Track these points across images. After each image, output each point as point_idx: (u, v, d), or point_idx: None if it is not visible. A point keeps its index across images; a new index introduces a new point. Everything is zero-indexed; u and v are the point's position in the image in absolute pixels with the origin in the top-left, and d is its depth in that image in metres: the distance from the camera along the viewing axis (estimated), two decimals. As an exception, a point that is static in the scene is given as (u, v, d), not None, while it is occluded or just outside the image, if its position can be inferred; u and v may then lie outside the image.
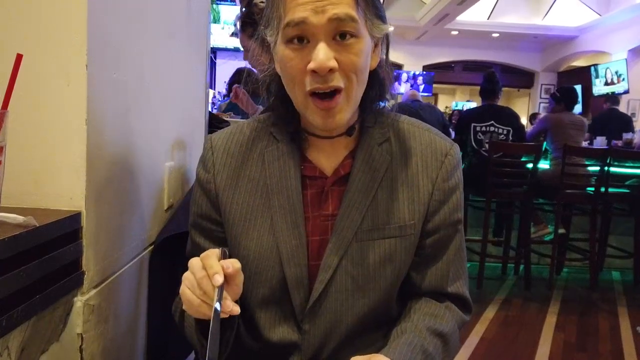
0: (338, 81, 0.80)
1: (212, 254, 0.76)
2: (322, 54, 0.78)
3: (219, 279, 0.72)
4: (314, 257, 0.90)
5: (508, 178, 3.70)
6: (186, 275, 0.78)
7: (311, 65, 0.79)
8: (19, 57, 0.71)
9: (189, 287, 0.76)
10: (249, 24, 1.96)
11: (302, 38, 0.80)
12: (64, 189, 0.91)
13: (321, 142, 0.92)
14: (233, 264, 0.76)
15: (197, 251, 0.99)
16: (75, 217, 0.90)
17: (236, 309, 0.74)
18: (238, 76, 3.66)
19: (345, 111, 0.84)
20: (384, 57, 0.91)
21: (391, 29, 0.88)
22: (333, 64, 0.79)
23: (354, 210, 0.89)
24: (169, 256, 1.32)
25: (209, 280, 0.73)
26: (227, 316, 0.74)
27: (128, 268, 1.14)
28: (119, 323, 1.10)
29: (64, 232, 0.86)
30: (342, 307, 0.90)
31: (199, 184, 0.97)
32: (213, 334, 0.69)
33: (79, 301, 0.93)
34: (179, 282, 1.10)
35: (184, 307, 0.77)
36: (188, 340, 0.91)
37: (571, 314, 3.43)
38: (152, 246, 1.30)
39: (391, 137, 0.93)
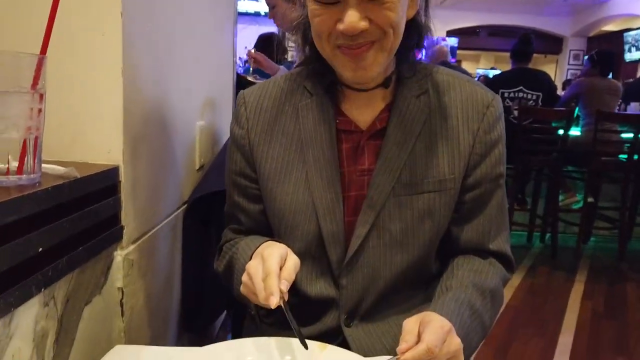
0: (370, 37, 0.77)
1: (274, 274, 0.74)
2: (353, 16, 0.74)
3: (274, 301, 0.71)
4: (350, 213, 0.88)
5: (537, 145, 3.61)
6: (245, 282, 0.78)
7: (340, 27, 0.75)
8: (56, 1, 0.68)
9: (247, 293, 0.79)
10: None
11: None
12: (101, 142, 0.89)
13: (357, 95, 0.88)
14: (289, 279, 0.76)
15: (236, 209, 0.98)
16: (114, 170, 0.89)
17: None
18: (263, 43, 3.64)
19: (379, 63, 0.80)
20: (423, 3, 0.86)
21: None
22: (364, 25, 0.75)
23: (390, 165, 0.86)
24: (201, 215, 1.32)
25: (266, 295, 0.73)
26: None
27: (164, 225, 1.14)
28: (156, 279, 1.11)
29: (103, 186, 0.85)
30: (380, 263, 0.88)
31: (233, 141, 0.95)
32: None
33: (119, 255, 0.92)
34: (211, 241, 1.10)
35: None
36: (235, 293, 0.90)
37: (599, 283, 3.38)
38: (185, 205, 1.30)
39: (429, 88, 0.89)
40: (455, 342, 0.71)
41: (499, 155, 0.90)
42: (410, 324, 0.72)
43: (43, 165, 0.74)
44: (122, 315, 0.95)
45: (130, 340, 0.98)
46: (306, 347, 0.71)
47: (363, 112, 0.89)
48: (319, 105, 0.89)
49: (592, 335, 2.65)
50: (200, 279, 1.31)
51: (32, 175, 0.70)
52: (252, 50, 3.15)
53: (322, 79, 0.89)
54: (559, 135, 3.64)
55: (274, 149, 0.91)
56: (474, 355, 1.60)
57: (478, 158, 0.88)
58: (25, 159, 0.69)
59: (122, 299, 0.94)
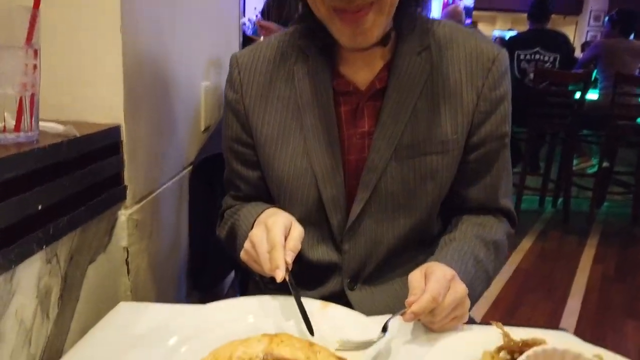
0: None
1: (280, 245, 0.73)
2: None
3: (280, 275, 0.70)
4: (350, 177, 0.86)
5: (553, 108, 3.53)
6: (247, 249, 0.78)
7: None
8: (47, -49, 0.66)
9: (247, 260, 0.79)
10: None
11: None
12: (102, 101, 0.88)
13: (354, 54, 0.84)
14: (295, 250, 0.74)
15: (234, 176, 0.97)
16: (115, 130, 0.88)
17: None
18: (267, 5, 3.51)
19: (378, 26, 0.76)
20: None
21: None
22: None
23: (391, 127, 0.83)
24: (207, 176, 1.32)
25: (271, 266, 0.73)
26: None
27: (169, 186, 1.14)
28: (162, 239, 1.11)
29: (104, 145, 0.85)
30: (382, 227, 0.87)
31: (228, 106, 0.92)
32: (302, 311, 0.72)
33: (123, 215, 0.93)
34: (217, 202, 1.10)
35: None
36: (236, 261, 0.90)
37: (611, 247, 3.36)
38: (191, 166, 1.30)
39: (431, 44, 0.85)
40: (460, 289, 0.71)
41: (505, 113, 0.87)
42: (416, 278, 0.72)
43: (41, 123, 0.73)
44: (128, 274, 0.96)
45: (137, 299, 0.99)
46: (312, 333, 0.70)
47: (361, 72, 0.85)
48: (315, 67, 0.86)
49: (602, 299, 2.65)
50: (207, 239, 1.32)
51: (29, 133, 0.69)
52: (260, 20, 3.02)
53: (317, 39, 0.85)
54: (576, 99, 3.55)
55: (269, 114, 0.88)
56: (480, 317, 1.61)
57: (482, 116, 0.85)
58: (23, 116, 0.68)
59: (127, 258, 0.95)
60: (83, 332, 0.76)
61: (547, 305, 2.58)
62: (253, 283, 1.06)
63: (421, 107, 0.84)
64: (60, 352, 0.76)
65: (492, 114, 0.85)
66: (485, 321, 0.83)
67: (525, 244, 3.33)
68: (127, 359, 0.63)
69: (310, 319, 0.70)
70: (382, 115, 0.84)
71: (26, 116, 0.69)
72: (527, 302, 2.59)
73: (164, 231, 1.13)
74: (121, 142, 0.89)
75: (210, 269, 1.36)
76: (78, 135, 0.75)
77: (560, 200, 4.00)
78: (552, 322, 2.39)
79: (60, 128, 0.75)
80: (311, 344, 0.65)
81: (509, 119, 0.88)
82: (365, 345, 0.65)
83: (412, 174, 0.85)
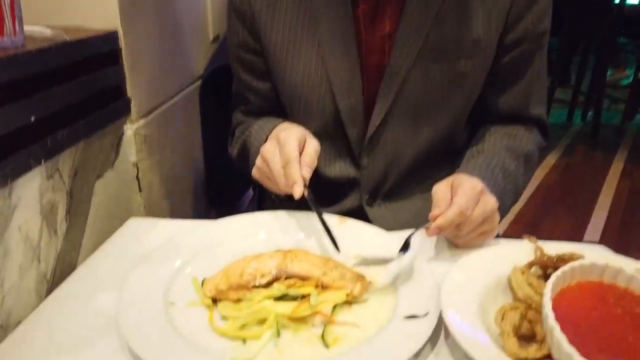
0: None
1: (294, 160, 0.68)
2: None
3: (298, 191, 0.66)
4: (370, 85, 0.79)
5: (590, 12, 3.26)
6: (259, 166, 0.73)
7: None
8: None
9: (260, 178, 0.74)
10: None
11: None
12: (93, 3, 0.80)
13: None
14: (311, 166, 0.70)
15: (243, 88, 0.90)
16: (112, 36, 0.80)
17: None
18: None
19: None
20: None
21: None
22: None
23: (416, 26, 0.75)
24: (218, 89, 1.25)
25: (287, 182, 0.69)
26: None
27: (177, 100, 1.08)
28: (174, 155, 1.07)
29: (100, 52, 0.78)
30: (404, 139, 0.81)
31: (233, 8, 0.83)
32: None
33: (129, 129, 0.88)
34: (230, 117, 1.04)
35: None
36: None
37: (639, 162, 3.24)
38: (201, 80, 1.23)
39: None
40: (491, 201, 0.67)
41: (545, 6, 0.77)
42: (441, 190, 0.67)
43: (27, 27, 0.67)
44: (140, 190, 0.93)
45: (151, 215, 0.97)
46: (338, 249, 0.66)
47: None
48: None
49: (628, 215, 2.60)
50: (221, 154, 1.28)
51: (14, 37, 0.63)
52: None
53: None
54: (616, 3, 3.26)
55: (279, 16, 0.79)
56: (501, 233, 1.58)
57: (520, 11, 0.75)
58: (4, 18, 0.62)
59: (137, 174, 0.92)
60: (97, 248, 0.74)
61: (570, 221, 2.54)
62: (269, 202, 1.02)
63: (449, 5, 0.74)
64: (74, 267, 0.75)
65: (531, 7, 0.76)
66: (508, 236, 0.78)
67: (551, 158, 3.23)
68: (134, 276, 0.60)
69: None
70: (406, 13, 0.74)
71: (7, 18, 0.62)
72: (550, 217, 2.56)
73: (175, 146, 1.08)
74: (119, 50, 0.82)
75: (226, 185, 1.33)
76: (67, 39, 0.69)
77: (590, 113, 3.83)
78: (575, 238, 2.36)
79: (48, 32, 0.68)
80: (327, 260, 0.62)
81: (549, 15, 0.78)
82: (384, 262, 0.61)
83: (438, 79, 0.77)
